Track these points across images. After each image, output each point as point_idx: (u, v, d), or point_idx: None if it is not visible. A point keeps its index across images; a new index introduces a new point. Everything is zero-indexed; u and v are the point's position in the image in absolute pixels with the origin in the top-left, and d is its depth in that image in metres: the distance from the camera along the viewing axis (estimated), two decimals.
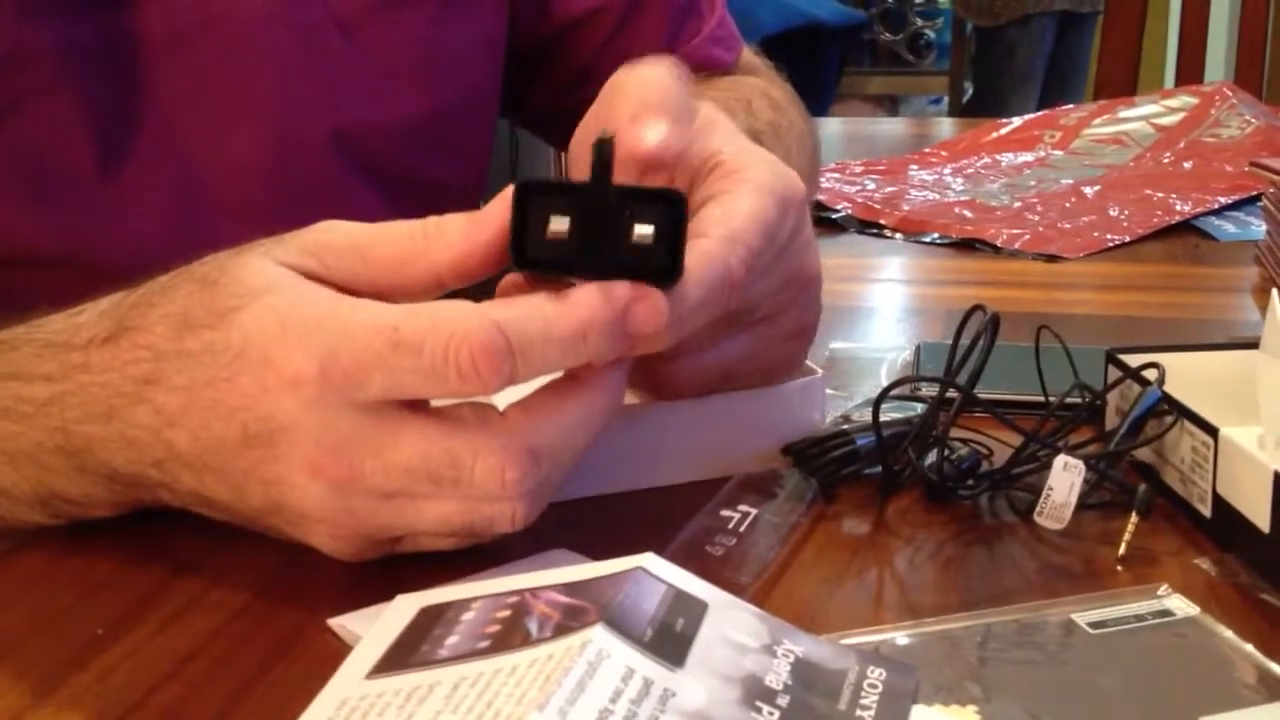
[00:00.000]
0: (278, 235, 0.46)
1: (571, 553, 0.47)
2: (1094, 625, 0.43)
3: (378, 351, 0.41)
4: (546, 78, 0.82)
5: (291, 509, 0.44)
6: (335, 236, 0.46)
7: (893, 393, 0.53)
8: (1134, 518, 0.48)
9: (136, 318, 0.46)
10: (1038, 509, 0.50)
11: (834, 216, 1.07)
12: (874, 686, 0.38)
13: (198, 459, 0.44)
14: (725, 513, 0.50)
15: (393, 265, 0.45)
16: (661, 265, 0.43)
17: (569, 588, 0.40)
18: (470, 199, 0.77)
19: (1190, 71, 1.89)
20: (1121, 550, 0.48)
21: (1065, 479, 0.49)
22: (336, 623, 0.43)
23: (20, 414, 0.47)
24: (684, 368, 0.51)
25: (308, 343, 0.42)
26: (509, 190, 0.44)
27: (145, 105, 0.66)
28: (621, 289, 0.42)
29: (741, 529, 0.49)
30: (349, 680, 0.38)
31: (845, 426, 0.54)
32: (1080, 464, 0.49)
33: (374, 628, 0.41)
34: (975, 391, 0.52)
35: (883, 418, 0.52)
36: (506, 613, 0.40)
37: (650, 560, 0.41)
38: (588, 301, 0.42)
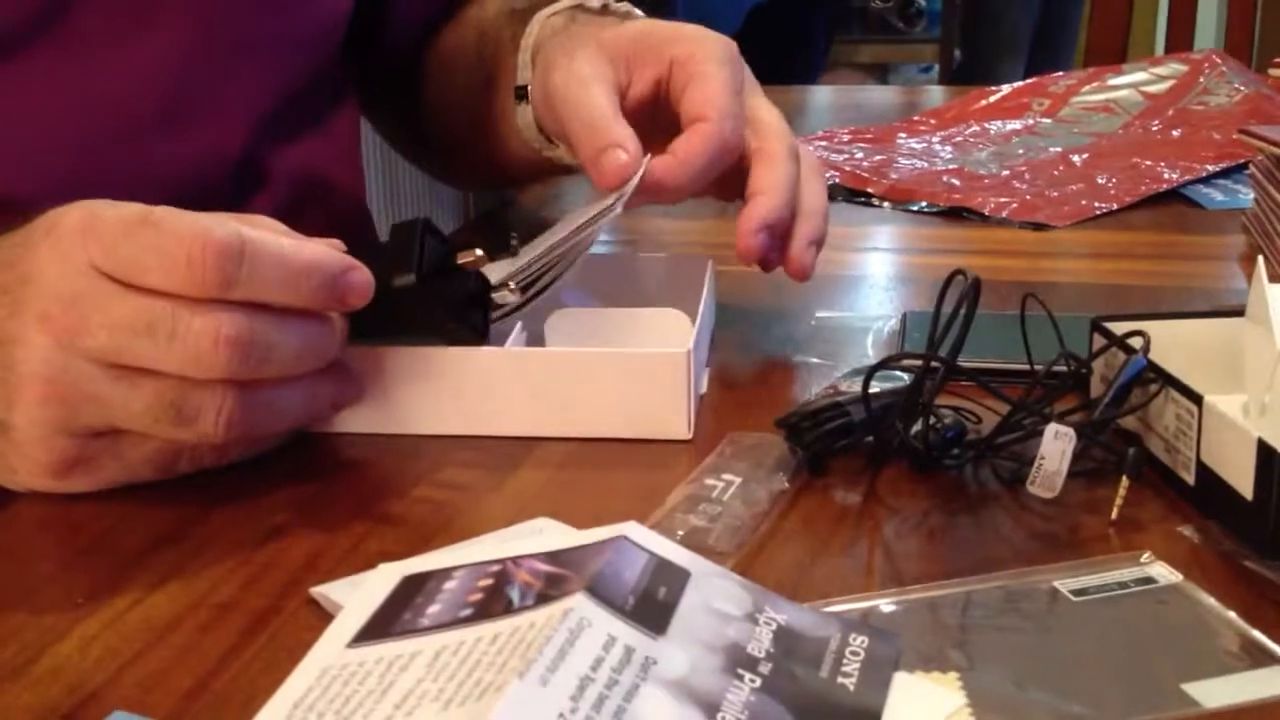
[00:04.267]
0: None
1: (554, 521, 0.47)
2: (1077, 593, 0.43)
3: (129, 222, 0.46)
4: None
5: (12, 366, 0.47)
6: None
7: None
8: (1125, 481, 0.48)
9: None
10: (1030, 478, 0.50)
11: None
12: (856, 654, 0.38)
13: None
14: (710, 481, 0.50)
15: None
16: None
17: (551, 556, 0.40)
18: (342, 106, 0.79)
19: (1180, 39, 1.88)
20: (1114, 515, 0.48)
21: (1056, 447, 0.49)
22: (318, 592, 0.43)
23: None
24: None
25: (86, 209, 0.47)
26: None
27: (51, 12, 0.63)
28: (345, 258, 0.49)
29: (726, 498, 0.49)
30: (330, 649, 0.38)
31: (840, 400, 0.54)
32: (1071, 432, 0.49)
33: (356, 597, 0.41)
34: (961, 359, 0.52)
35: (870, 388, 0.52)
36: (489, 581, 0.40)
37: (633, 529, 0.41)
38: (322, 251, 0.48)
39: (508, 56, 0.72)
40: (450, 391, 0.55)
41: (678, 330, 0.60)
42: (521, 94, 0.69)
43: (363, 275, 0.49)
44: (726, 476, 0.51)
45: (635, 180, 0.58)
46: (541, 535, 0.45)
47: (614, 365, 0.54)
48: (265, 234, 0.47)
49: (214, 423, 0.47)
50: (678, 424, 0.55)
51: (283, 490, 0.51)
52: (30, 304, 0.46)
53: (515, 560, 0.40)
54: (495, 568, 0.40)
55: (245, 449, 0.52)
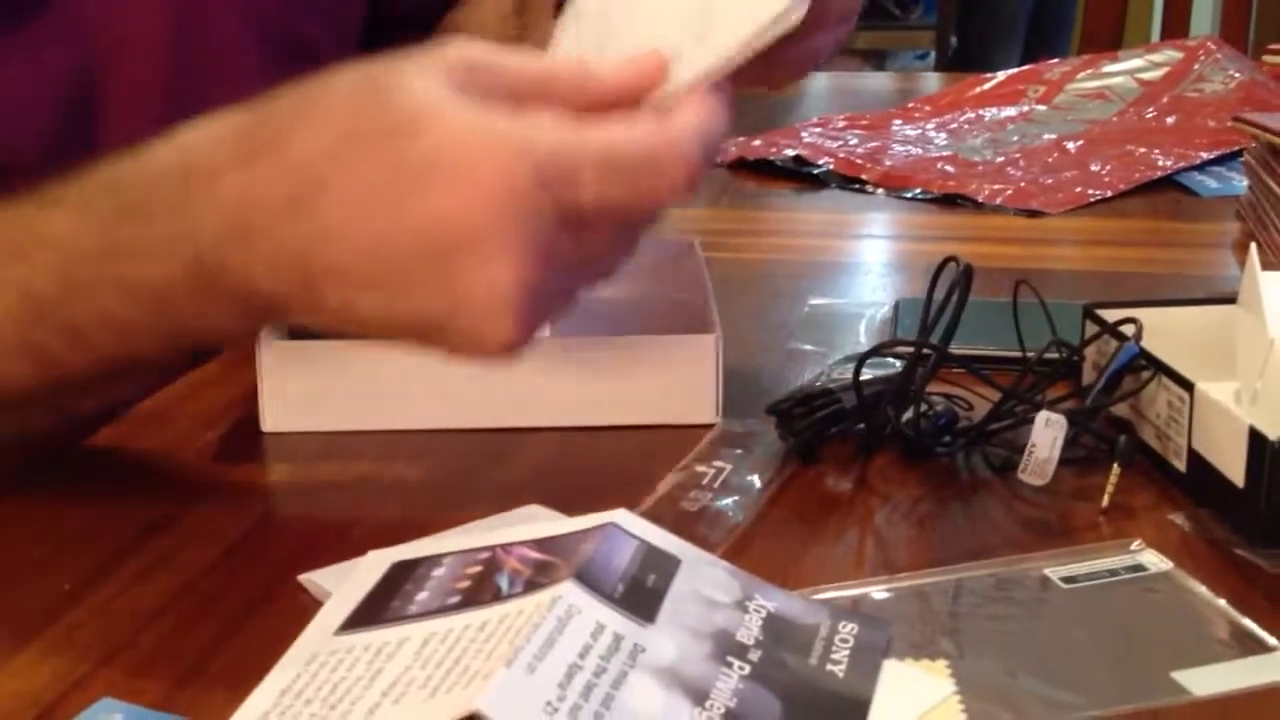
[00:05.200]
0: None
1: (544, 508, 0.46)
2: (1067, 580, 0.43)
3: (595, 164, 0.42)
4: None
5: (479, 313, 0.42)
6: (476, 52, 0.44)
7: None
8: (1116, 469, 0.48)
9: (277, 138, 0.43)
10: (1021, 465, 0.49)
11: (815, 172, 1.07)
12: (845, 641, 0.38)
13: (361, 275, 0.42)
14: (700, 469, 0.50)
15: (541, 88, 0.45)
16: None
17: (541, 543, 0.40)
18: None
19: (1176, 26, 1.88)
20: (1105, 502, 0.48)
21: (1048, 435, 0.49)
22: (307, 579, 0.43)
23: (144, 251, 0.45)
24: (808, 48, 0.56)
25: (520, 151, 0.41)
26: (650, 53, 0.46)
27: None
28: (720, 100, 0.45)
29: (716, 485, 0.49)
30: (319, 636, 0.38)
31: (832, 387, 0.54)
32: (1062, 420, 0.49)
33: (345, 584, 0.41)
34: (953, 347, 0.51)
35: (861, 375, 0.52)
36: (477, 568, 0.39)
37: (622, 516, 0.41)
38: (722, 101, 0.45)
39: None
40: (477, 382, 0.55)
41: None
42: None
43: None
44: (717, 464, 0.51)
45: None
46: (531, 522, 0.45)
47: (640, 351, 0.54)
48: (702, 115, 0.44)
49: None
50: (705, 409, 0.55)
51: (272, 479, 0.51)
52: (496, 259, 0.41)
53: (504, 547, 0.40)
54: (484, 555, 0.40)
55: None
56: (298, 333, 0.56)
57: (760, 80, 0.56)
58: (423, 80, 0.43)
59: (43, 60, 0.62)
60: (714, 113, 0.45)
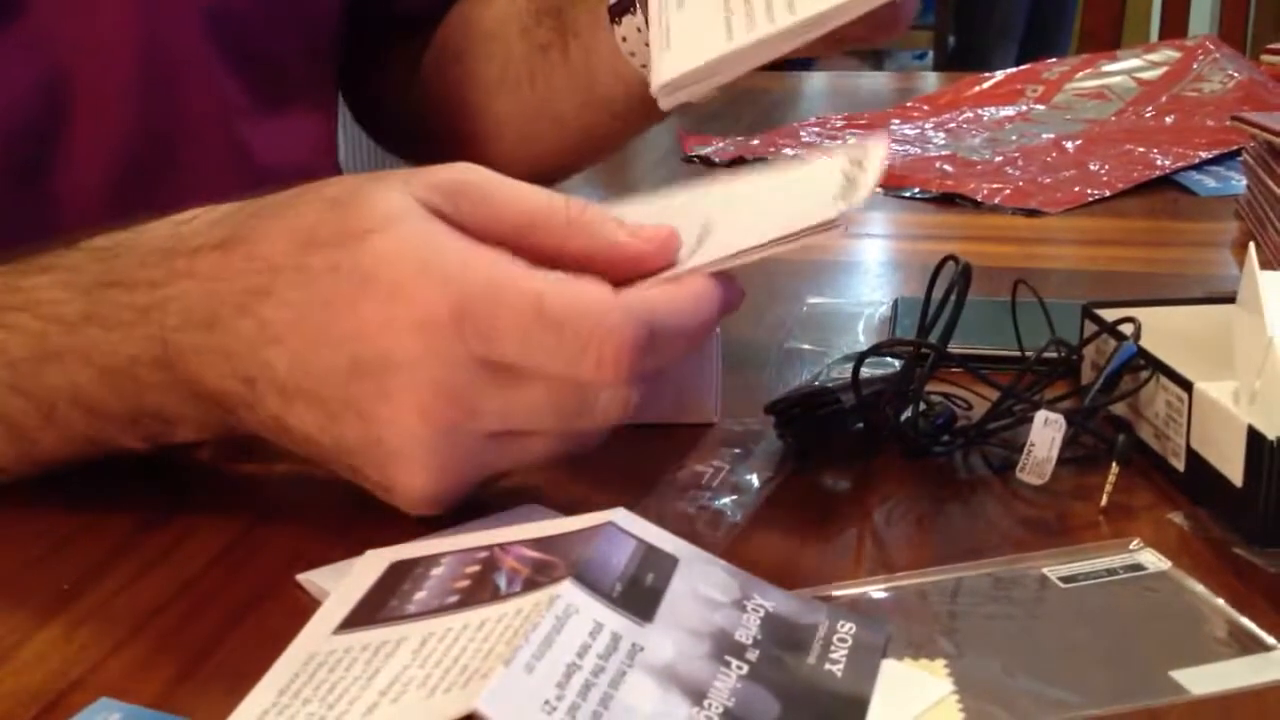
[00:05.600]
0: (405, 172, 0.45)
1: (542, 508, 0.46)
2: (1065, 580, 0.43)
3: (519, 315, 0.41)
4: None
5: (387, 450, 0.42)
6: (471, 176, 0.44)
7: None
8: (1115, 468, 0.48)
9: (254, 229, 0.44)
10: (1019, 465, 0.49)
11: None
12: (843, 641, 0.38)
13: (293, 383, 0.43)
14: (699, 468, 0.50)
15: (523, 227, 0.44)
16: None
17: (539, 543, 0.40)
18: (322, 97, 0.76)
19: (1174, 25, 1.88)
20: (1104, 501, 0.48)
21: (1046, 434, 0.49)
22: (305, 578, 0.43)
23: (119, 321, 0.45)
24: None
25: (447, 284, 0.41)
26: (666, 229, 0.45)
27: None
28: (715, 287, 0.44)
29: (715, 484, 0.49)
30: (316, 635, 0.38)
31: (830, 386, 0.54)
32: (1061, 419, 0.49)
33: (343, 583, 0.41)
34: (952, 346, 0.51)
35: (860, 375, 0.52)
36: (476, 568, 0.39)
37: (621, 515, 0.41)
38: (705, 292, 0.43)
39: None
40: None
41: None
42: (620, 8, 0.64)
43: (737, 292, 0.45)
44: (715, 463, 0.50)
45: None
46: (529, 521, 0.45)
47: None
48: (657, 303, 0.42)
49: (600, 437, 0.45)
50: (705, 407, 0.55)
51: (269, 476, 0.51)
52: (403, 394, 0.41)
53: (503, 546, 0.40)
54: (482, 554, 0.40)
55: None
56: None
57: (861, 38, 0.57)
58: (392, 195, 0.43)
59: (8, 72, 0.61)
60: (684, 304, 0.43)
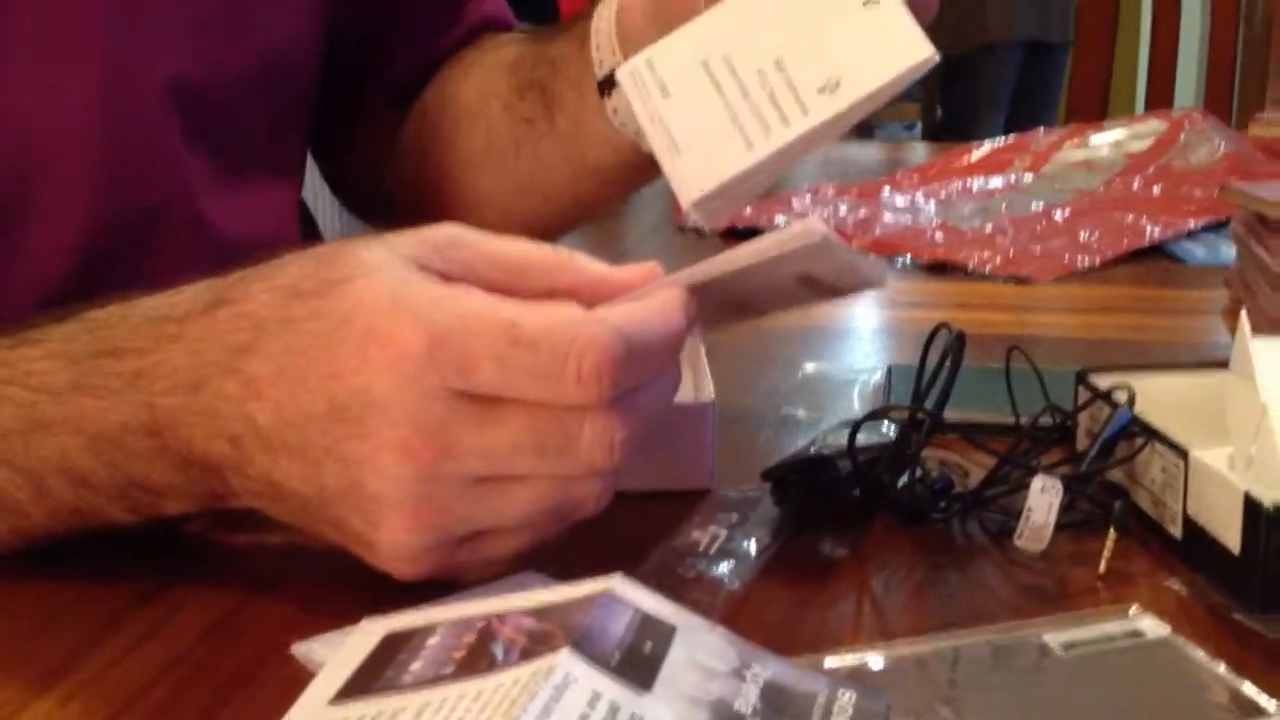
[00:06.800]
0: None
1: (539, 575, 0.46)
2: (1065, 646, 0.43)
3: (492, 342, 0.41)
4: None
5: (368, 493, 0.42)
6: (458, 230, 0.45)
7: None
8: (1112, 534, 0.48)
9: (239, 290, 0.45)
10: (1017, 531, 0.49)
11: None
12: (844, 710, 0.38)
13: (276, 435, 0.43)
14: (696, 534, 0.50)
15: (515, 268, 0.45)
16: None
17: (536, 612, 0.40)
18: (287, 167, 0.75)
19: (1160, 97, 1.91)
20: (1102, 568, 0.48)
21: (1044, 500, 0.49)
22: (300, 649, 0.43)
23: (108, 389, 0.45)
24: None
25: (419, 319, 0.41)
26: (649, 263, 0.46)
27: None
28: (680, 298, 0.44)
29: (712, 551, 0.49)
30: (312, 707, 0.37)
31: (826, 452, 0.54)
32: (1058, 485, 0.49)
33: (338, 654, 0.40)
34: (947, 413, 0.52)
35: (856, 441, 0.52)
36: (472, 637, 0.39)
37: (619, 582, 0.40)
38: (674, 303, 0.44)
39: (568, 68, 0.68)
40: None
41: None
42: (608, 83, 0.64)
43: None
44: (713, 529, 0.50)
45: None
46: (526, 590, 0.44)
47: None
48: (629, 316, 0.43)
49: (593, 508, 0.44)
50: (702, 475, 0.55)
51: (261, 547, 0.51)
52: (380, 432, 0.41)
53: (499, 616, 0.40)
54: (479, 624, 0.40)
55: None
56: None
57: None
58: (375, 247, 0.44)
59: None
60: (653, 315, 0.43)
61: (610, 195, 0.75)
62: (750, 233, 1.09)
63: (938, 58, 0.47)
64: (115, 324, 0.47)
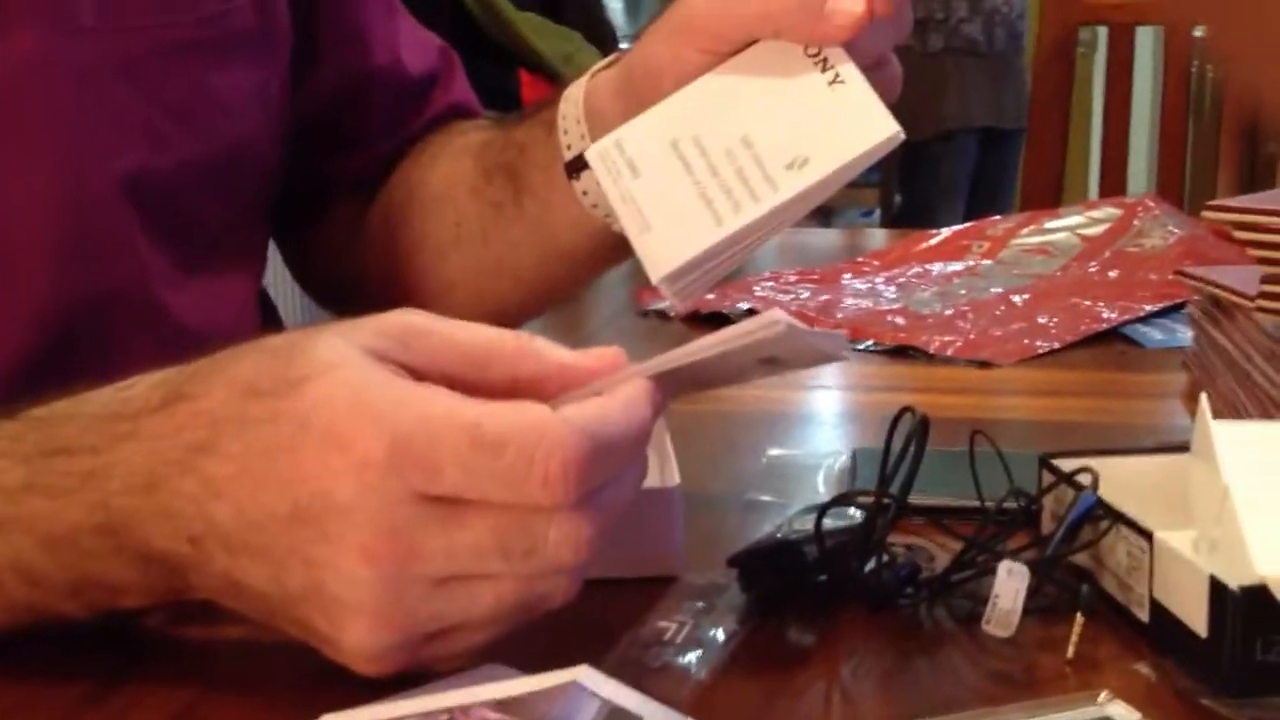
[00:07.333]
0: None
1: (504, 667, 0.45)
2: None
3: (455, 446, 0.40)
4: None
5: (332, 595, 0.42)
6: (418, 319, 0.45)
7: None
8: (1079, 618, 0.48)
9: (195, 385, 0.44)
10: (985, 617, 0.49)
11: None
12: None
13: (238, 536, 0.42)
14: (662, 623, 0.49)
15: (477, 358, 0.44)
16: None
17: (501, 704, 0.39)
18: (248, 257, 0.74)
19: (1113, 184, 1.94)
20: (1070, 653, 0.47)
21: (1010, 585, 0.49)
22: None
23: (62, 489, 0.45)
24: None
25: (380, 423, 0.41)
26: (613, 349, 0.45)
27: None
28: (648, 390, 0.44)
29: (679, 639, 0.48)
30: None
31: (793, 538, 0.53)
32: (1025, 570, 0.49)
33: None
34: (913, 497, 0.52)
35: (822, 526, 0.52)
36: None
37: (585, 673, 0.40)
38: (640, 397, 0.43)
39: (535, 151, 0.68)
40: None
41: None
42: (576, 165, 0.64)
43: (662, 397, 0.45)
44: (679, 618, 0.50)
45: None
46: (491, 681, 0.44)
47: None
48: (592, 414, 0.42)
49: (560, 602, 0.44)
50: (668, 560, 0.54)
51: (220, 641, 0.50)
52: (343, 536, 0.41)
53: (464, 709, 0.39)
54: (443, 718, 0.39)
55: None
56: None
57: None
58: (334, 342, 0.43)
59: None
60: (618, 412, 0.43)
61: (580, 277, 0.75)
62: (713, 316, 1.09)
63: (903, 135, 0.48)
64: (63, 422, 0.46)
